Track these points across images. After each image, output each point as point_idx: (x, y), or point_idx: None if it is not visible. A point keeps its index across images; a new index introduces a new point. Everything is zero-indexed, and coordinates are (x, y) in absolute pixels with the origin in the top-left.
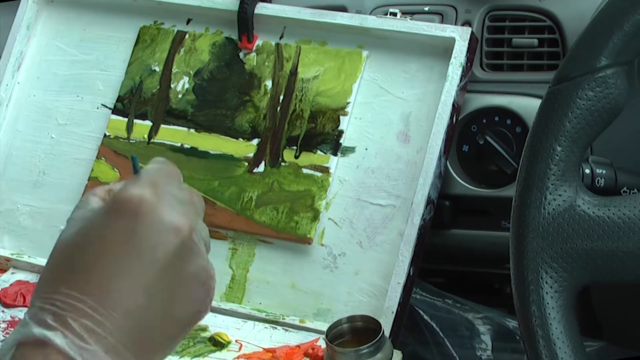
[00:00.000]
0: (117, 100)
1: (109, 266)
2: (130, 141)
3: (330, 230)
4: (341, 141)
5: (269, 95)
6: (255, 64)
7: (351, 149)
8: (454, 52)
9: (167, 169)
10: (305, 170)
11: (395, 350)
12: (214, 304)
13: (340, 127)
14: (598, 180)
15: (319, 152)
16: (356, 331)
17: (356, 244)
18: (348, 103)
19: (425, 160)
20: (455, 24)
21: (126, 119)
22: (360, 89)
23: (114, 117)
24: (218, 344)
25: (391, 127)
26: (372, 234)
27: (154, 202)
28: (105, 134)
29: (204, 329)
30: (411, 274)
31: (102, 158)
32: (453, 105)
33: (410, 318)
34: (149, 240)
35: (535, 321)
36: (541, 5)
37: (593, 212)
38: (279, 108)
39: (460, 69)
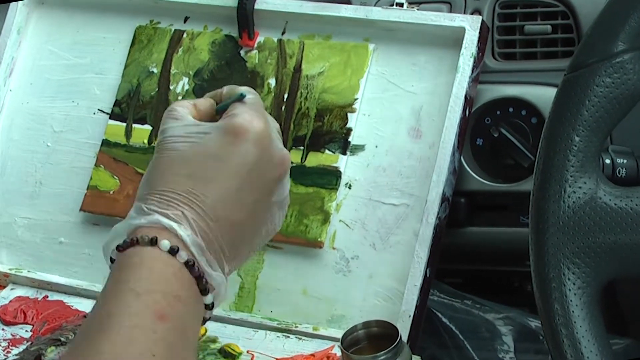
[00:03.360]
0: (114, 105)
1: (224, 181)
2: (130, 147)
3: (341, 233)
4: (350, 139)
5: (273, 94)
6: (257, 61)
7: (361, 147)
8: (464, 42)
9: (260, 100)
10: (313, 171)
11: (414, 356)
12: (223, 313)
13: (348, 125)
14: (619, 170)
15: (327, 151)
16: (372, 337)
17: (369, 246)
18: (356, 99)
19: (438, 156)
20: (465, 13)
21: (124, 124)
22: (368, 84)
23: (111, 122)
24: (229, 355)
25: (402, 122)
26: (386, 235)
27: (268, 134)
28: (103, 140)
29: (214, 340)
30: (428, 275)
31: (101, 165)
32: (465, 97)
33: (428, 321)
34: (262, 168)
35: (559, 320)
36: None
37: (615, 204)
38: (283, 107)
39: (472, 59)
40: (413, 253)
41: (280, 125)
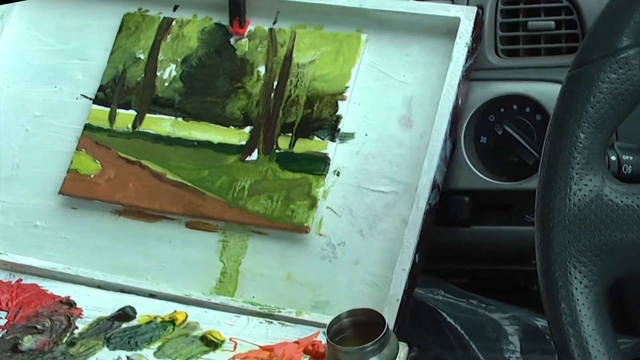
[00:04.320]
0: (98, 90)
1: None
2: (113, 131)
3: (328, 220)
4: (339, 127)
5: (262, 82)
6: (247, 49)
7: (350, 135)
8: (459, 31)
9: None
10: (301, 157)
11: (400, 343)
12: (204, 298)
13: (338, 113)
14: (625, 167)
15: (316, 138)
16: (358, 326)
17: (356, 233)
18: (347, 87)
19: (430, 143)
20: None
21: (108, 109)
22: (360, 74)
23: (95, 107)
24: (211, 343)
25: (392, 111)
26: (374, 222)
27: None
28: (85, 125)
29: (194, 327)
30: (417, 261)
31: (83, 149)
32: (458, 86)
33: (433, 321)
34: None
35: (566, 319)
36: None
37: (621, 201)
38: (272, 94)
39: (466, 49)
40: (401, 239)
41: (269, 112)
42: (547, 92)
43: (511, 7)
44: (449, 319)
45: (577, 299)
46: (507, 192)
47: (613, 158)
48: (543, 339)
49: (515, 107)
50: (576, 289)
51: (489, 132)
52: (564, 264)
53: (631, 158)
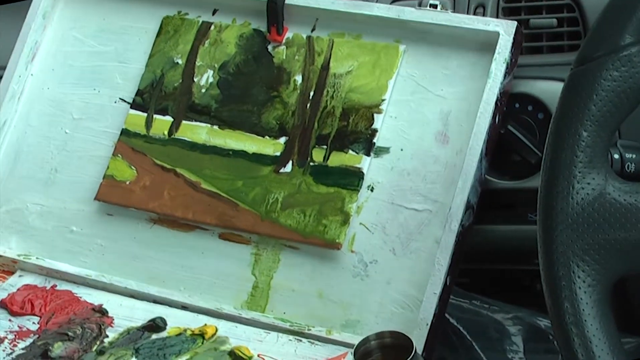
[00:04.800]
0: (136, 94)
1: None
2: (149, 137)
3: (361, 236)
4: (375, 141)
5: (299, 91)
6: (284, 57)
7: (385, 150)
8: (497, 47)
9: None
10: (335, 171)
11: None
12: (235, 312)
13: (374, 126)
14: (628, 165)
15: (350, 152)
16: (386, 348)
17: (389, 251)
18: (383, 100)
19: (465, 162)
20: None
21: (145, 114)
22: (397, 86)
23: (132, 112)
24: (239, 359)
25: (429, 126)
26: (407, 241)
27: None
28: (122, 130)
29: (223, 342)
30: (447, 283)
31: (119, 155)
32: (496, 104)
33: None
34: None
35: (569, 319)
36: None
37: (624, 200)
38: (308, 105)
39: (505, 65)
40: (433, 260)
41: (305, 123)
42: (549, 90)
43: (513, 5)
44: (451, 320)
45: (581, 298)
46: (510, 191)
47: (616, 156)
48: (546, 338)
49: (517, 105)
50: (579, 288)
51: None
52: (567, 263)
53: (634, 156)
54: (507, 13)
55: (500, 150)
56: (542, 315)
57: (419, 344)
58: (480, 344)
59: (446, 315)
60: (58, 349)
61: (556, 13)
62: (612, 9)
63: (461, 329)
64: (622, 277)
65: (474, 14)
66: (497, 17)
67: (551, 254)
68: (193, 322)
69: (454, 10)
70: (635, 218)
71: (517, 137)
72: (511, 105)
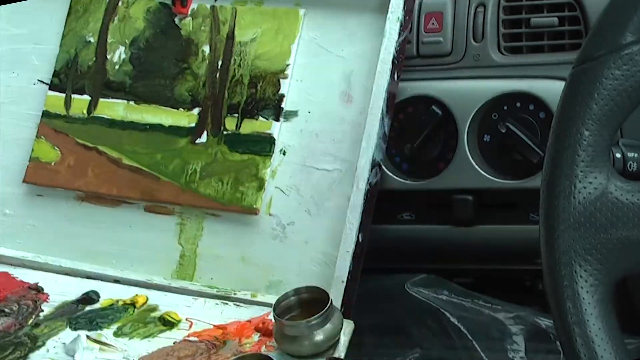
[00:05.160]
0: (53, 75)
1: None
2: (70, 117)
3: (277, 199)
4: (283, 105)
5: (207, 62)
6: (191, 29)
7: (294, 113)
8: (390, 6)
9: None
10: (247, 139)
11: (345, 320)
12: (165, 282)
13: (281, 91)
14: (630, 164)
15: (260, 118)
16: (304, 303)
17: (304, 212)
18: (287, 65)
19: (367, 121)
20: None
21: (64, 95)
22: (300, 50)
23: (51, 93)
24: (168, 323)
25: (333, 87)
26: (320, 201)
27: None
28: (43, 112)
29: (154, 309)
30: (360, 240)
31: (42, 137)
32: (393, 62)
33: (436, 321)
34: None
35: (572, 318)
36: None
37: (627, 199)
38: (218, 74)
39: (398, 24)
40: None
41: (215, 92)
42: (550, 90)
43: (514, 4)
44: (452, 319)
45: (583, 298)
46: (512, 190)
47: (618, 155)
48: (548, 338)
49: (518, 104)
50: (582, 287)
51: (492, 130)
52: (569, 262)
53: (636, 155)
54: (508, 12)
55: (502, 150)
56: (543, 315)
57: (336, 300)
58: (481, 343)
59: (446, 313)
60: None
61: (557, 12)
62: (614, 7)
63: (462, 328)
64: (624, 277)
65: (475, 13)
66: (498, 16)
67: (553, 254)
68: (125, 293)
69: (455, 8)
70: (638, 217)
71: (518, 137)
72: (512, 105)
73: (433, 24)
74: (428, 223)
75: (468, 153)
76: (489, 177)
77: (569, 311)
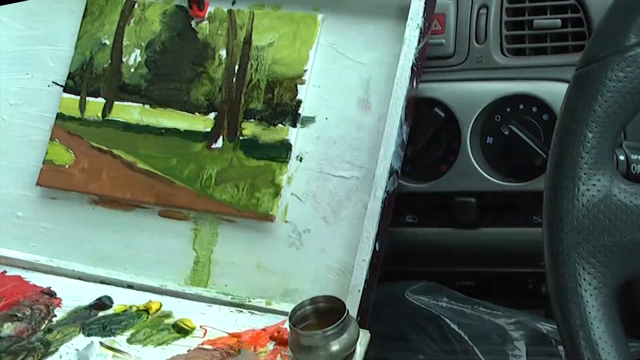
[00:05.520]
0: (68, 77)
1: None
2: (84, 120)
3: (293, 206)
4: (300, 111)
5: (224, 66)
6: (208, 32)
7: (311, 119)
8: (410, 12)
9: None
10: (264, 144)
11: (362, 330)
12: (179, 288)
13: (298, 97)
14: (634, 166)
15: (278, 124)
16: (320, 313)
17: (321, 219)
18: (305, 71)
19: (385, 128)
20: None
21: (78, 97)
22: (317, 55)
23: (65, 95)
24: (182, 330)
25: (351, 93)
26: (337, 208)
27: None
28: (57, 114)
29: (168, 315)
30: (377, 249)
31: (56, 139)
32: (412, 69)
33: (437, 328)
34: None
35: (575, 321)
36: None
37: (630, 201)
38: (234, 79)
39: (418, 30)
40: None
41: (232, 97)
42: (553, 91)
43: (517, 6)
44: (452, 325)
45: (587, 301)
46: (515, 193)
47: (622, 157)
48: (549, 343)
49: (521, 106)
50: (585, 290)
51: (495, 132)
52: (573, 265)
53: None
54: (511, 13)
55: (505, 152)
56: (544, 320)
57: (352, 310)
58: (481, 348)
59: (447, 320)
60: (7, 329)
61: (560, 14)
62: (617, 9)
63: (462, 334)
64: (628, 280)
65: (478, 14)
66: (501, 17)
67: (557, 257)
68: (139, 299)
69: (457, 10)
70: None
71: (521, 139)
72: (515, 107)
73: (436, 25)
74: (431, 225)
75: (471, 155)
76: (492, 179)
77: (573, 314)
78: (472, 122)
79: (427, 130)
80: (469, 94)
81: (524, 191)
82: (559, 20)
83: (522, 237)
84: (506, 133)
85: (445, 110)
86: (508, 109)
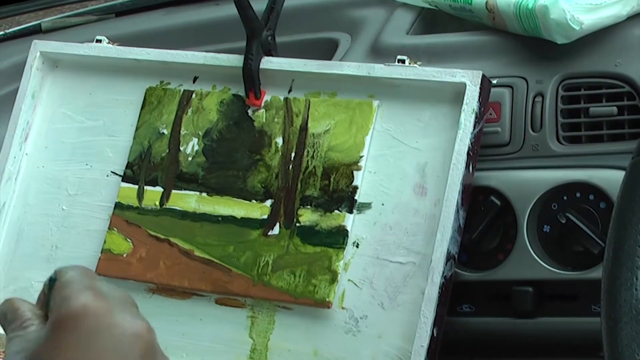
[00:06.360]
0: (126, 167)
1: None
2: (142, 209)
3: (350, 292)
4: (356, 197)
5: (280, 153)
6: (264, 120)
7: (367, 205)
8: (465, 97)
9: (84, 269)
10: (321, 231)
11: None
12: None
13: (354, 183)
14: None
15: (334, 210)
16: None
17: (378, 305)
18: (361, 157)
19: (442, 213)
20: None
21: (136, 186)
22: (373, 141)
23: (124, 184)
24: None
25: (407, 179)
26: (394, 294)
27: (103, 308)
28: (116, 203)
29: None
30: (435, 335)
31: (115, 229)
32: (468, 154)
33: None
34: (111, 352)
35: None
36: (618, 70)
37: None
38: (291, 166)
39: (473, 115)
40: (420, 313)
41: (288, 184)
42: (610, 179)
43: (572, 94)
44: None
45: None
46: (573, 282)
47: None
48: None
49: (578, 194)
50: None
51: (552, 220)
52: (632, 356)
53: None
54: (567, 101)
55: (562, 241)
56: None
57: None
58: None
59: None
60: None
61: (616, 101)
62: None
63: None
64: None
65: (533, 102)
66: (557, 105)
67: (616, 347)
68: None
69: (513, 98)
70: None
71: (578, 227)
72: (572, 195)
73: (491, 114)
74: (488, 315)
75: (528, 244)
76: (550, 268)
77: None
78: (529, 210)
79: (483, 218)
80: (525, 182)
81: (582, 280)
82: (615, 108)
83: (581, 326)
84: (563, 221)
85: (501, 199)
86: (565, 197)
